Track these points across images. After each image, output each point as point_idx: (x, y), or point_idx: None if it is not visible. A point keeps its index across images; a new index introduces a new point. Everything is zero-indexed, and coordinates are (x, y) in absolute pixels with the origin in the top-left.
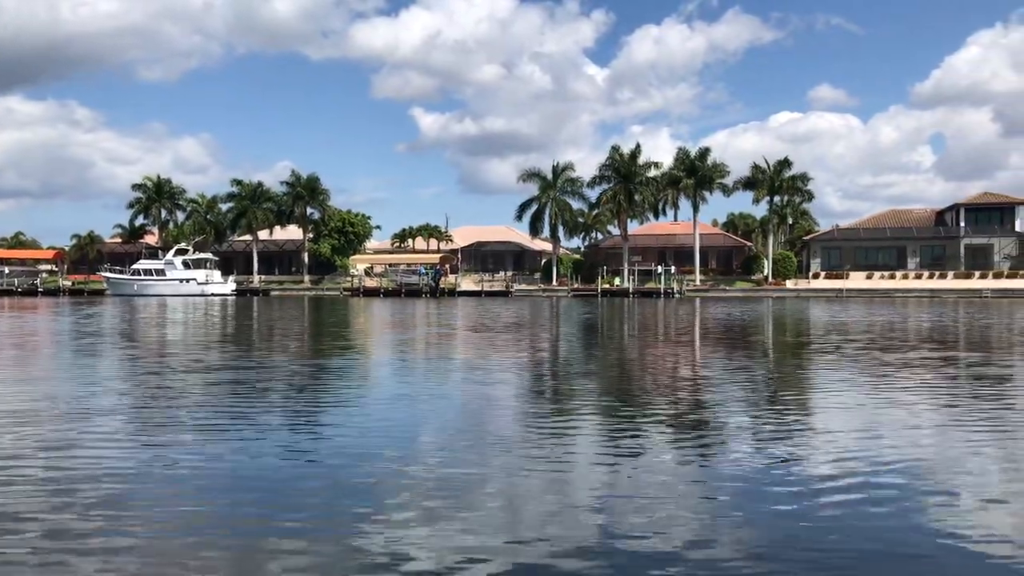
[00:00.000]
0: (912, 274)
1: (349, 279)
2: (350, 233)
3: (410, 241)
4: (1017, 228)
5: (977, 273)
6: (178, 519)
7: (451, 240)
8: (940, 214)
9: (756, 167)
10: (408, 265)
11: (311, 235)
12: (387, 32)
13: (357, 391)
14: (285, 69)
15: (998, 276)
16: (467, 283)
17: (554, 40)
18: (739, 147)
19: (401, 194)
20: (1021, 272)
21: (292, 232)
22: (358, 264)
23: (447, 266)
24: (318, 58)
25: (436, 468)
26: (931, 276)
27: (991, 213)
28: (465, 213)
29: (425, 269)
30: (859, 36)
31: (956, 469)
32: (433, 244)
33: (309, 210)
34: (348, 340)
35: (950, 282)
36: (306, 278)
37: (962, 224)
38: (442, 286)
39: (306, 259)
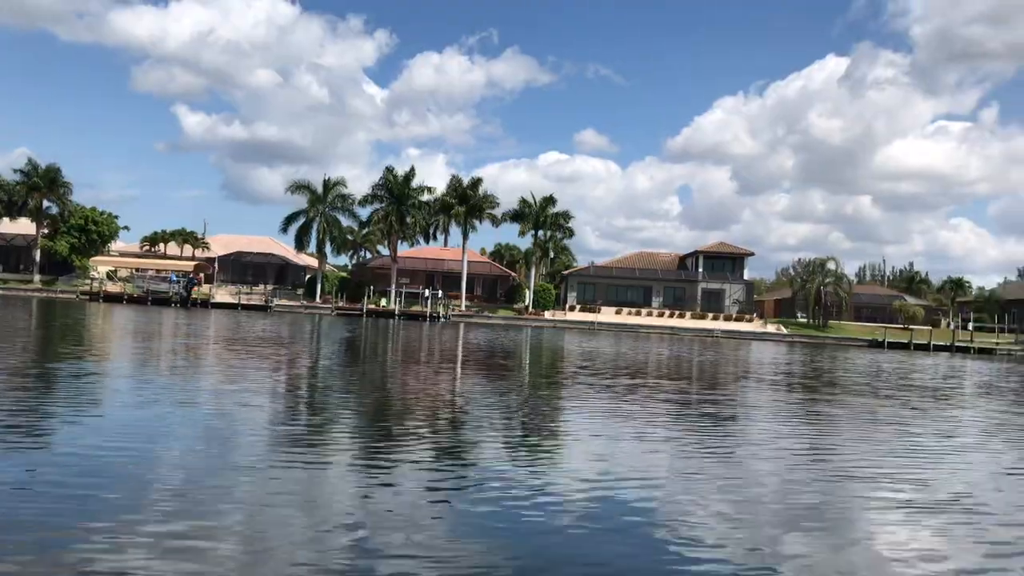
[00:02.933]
0: (656, 312)
1: (88, 282)
2: (93, 232)
3: (162, 246)
4: (745, 276)
5: (711, 315)
6: None
7: (208, 248)
8: (683, 259)
9: (524, 201)
10: (158, 271)
11: (46, 231)
12: (153, 22)
13: (78, 406)
14: (31, 48)
15: (727, 318)
16: (223, 295)
17: (335, 54)
18: (509, 181)
19: (156, 195)
20: (747, 316)
21: (24, 226)
22: (100, 266)
23: (202, 275)
24: (68, 39)
25: (166, 491)
26: (672, 315)
27: (725, 261)
28: (227, 221)
29: (177, 276)
30: (624, 88)
31: (681, 489)
32: (188, 251)
33: (46, 203)
34: (70, 349)
35: (688, 321)
36: (36, 278)
37: (700, 269)
38: (194, 296)
39: (38, 257)
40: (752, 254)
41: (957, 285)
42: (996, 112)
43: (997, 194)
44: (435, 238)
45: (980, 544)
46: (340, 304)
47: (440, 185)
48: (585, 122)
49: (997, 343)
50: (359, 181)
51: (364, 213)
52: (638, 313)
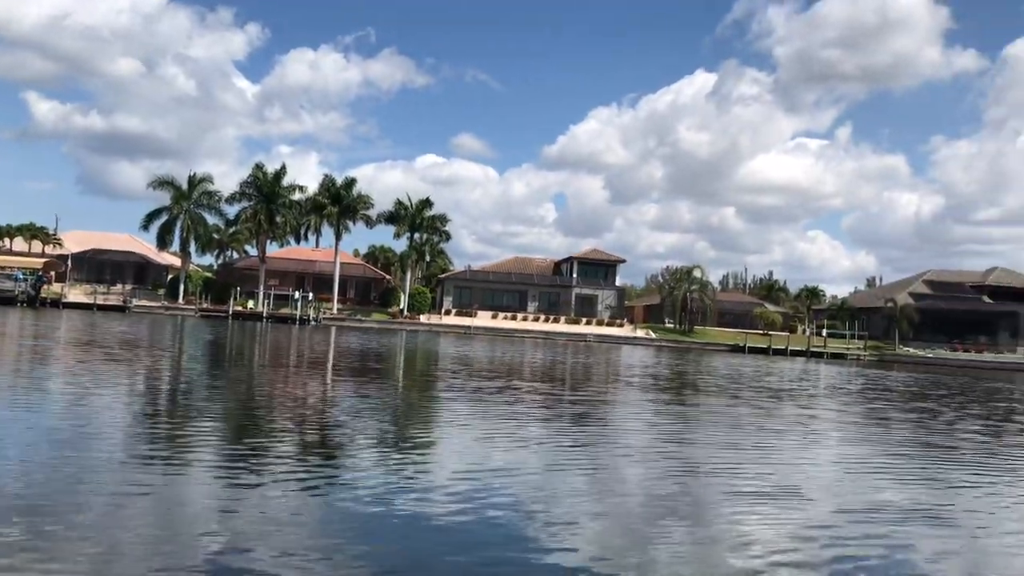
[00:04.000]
0: (531, 316)
1: None
2: None
3: (7, 241)
4: (617, 283)
5: (584, 320)
6: None
7: (60, 244)
8: (558, 265)
9: (400, 203)
10: (2, 268)
11: None
12: (1, 3)
13: None
14: None
15: (600, 323)
16: (77, 294)
17: (203, 46)
18: (385, 182)
19: (1, 186)
20: (618, 321)
21: None
22: None
23: (52, 273)
24: None
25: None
26: (547, 320)
27: (598, 268)
28: (82, 216)
29: (24, 274)
30: (502, 94)
31: (549, 485)
32: (37, 247)
33: None
34: None
35: (562, 326)
36: None
37: (574, 276)
38: (44, 295)
39: None
40: (624, 261)
41: (812, 294)
42: (850, 131)
43: (850, 208)
44: (306, 239)
45: (808, 529)
46: (204, 306)
47: (312, 184)
48: (463, 126)
49: (847, 348)
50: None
51: (232, 211)
52: (514, 318)
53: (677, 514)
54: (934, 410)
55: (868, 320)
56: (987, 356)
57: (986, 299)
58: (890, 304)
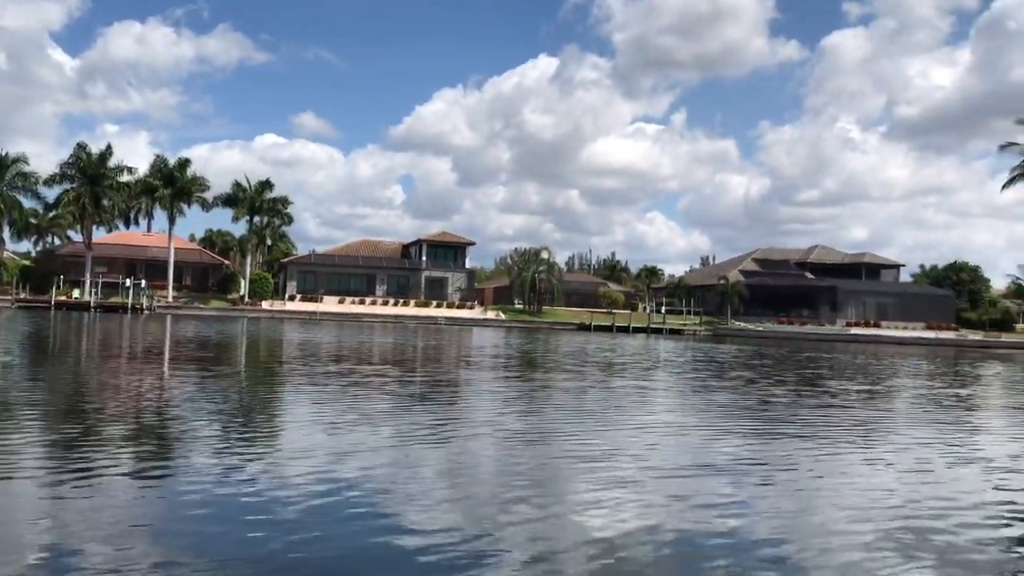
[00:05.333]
0: (380, 300)
1: None
2: None
3: None
4: (467, 265)
5: (435, 303)
6: None
7: None
8: (407, 247)
9: (238, 185)
10: None
11: None
12: None
13: None
14: None
15: (451, 306)
16: None
17: (14, 14)
18: (222, 163)
19: None
20: (468, 303)
21: None
22: None
23: None
24: None
25: None
26: (396, 303)
27: (447, 250)
28: None
29: None
30: (345, 72)
31: (399, 472)
32: None
33: None
34: None
35: (412, 310)
36: None
37: (424, 258)
38: None
39: None
40: (473, 244)
41: (652, 273)
42: (684, 116)
43: (685, 190)
44: (137, 223)
45: (618, 488)
46: (22, 296)
47: (143, 165)
48: (305, 105)
49: (684, 324)
50: (44, 159)
51: (52, 194)
52: (362, 302)
53: (517, 483)
54: (749, 378)
55: (703, 297)
56: (809, 328)
57: (808, 275)
58: (723, 281)
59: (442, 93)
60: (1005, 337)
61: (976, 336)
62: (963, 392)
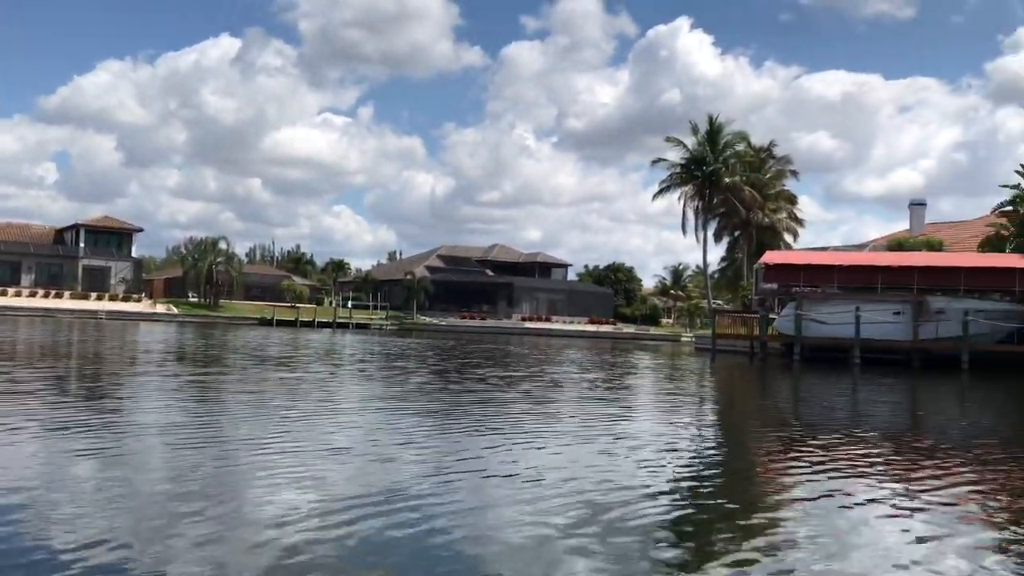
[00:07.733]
0: (27, 291)
1: None
2: None
3: None
4: (134, 254)
5: (95, 294)
6: None
7: None
8: (60, 232)
9: None
10: None
11: None
12: None
13: None
14: None
15: (114, 298)
16: None
17: None
18: None
19: None
20: (135, 296)
21: None
22: None
23: None
24: None
25: None
26: (47, 294)
27: (111, 237)
28: None
29: None
30: None
31: (56, 490)
32: None
33: None
34: None
35: (67, 302)
36: None
37: (82, 245)
38: None
39: None
40: (141, 230)
41: (339, 267)
42: (372, 111)
43: (372, 185)
44: None
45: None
46: None
47: None
48: None
49: (371, 319)
50: None
51: None
52: (4, 293)
53: (194, 489)
54: (407, 368)
55: (390, 291)
56: (488, 322)
57: (489, 272)
58: (409, 276)
59: (107, 64)
60: (653, 330)
61: (630, 329)
62: (598, 376)
